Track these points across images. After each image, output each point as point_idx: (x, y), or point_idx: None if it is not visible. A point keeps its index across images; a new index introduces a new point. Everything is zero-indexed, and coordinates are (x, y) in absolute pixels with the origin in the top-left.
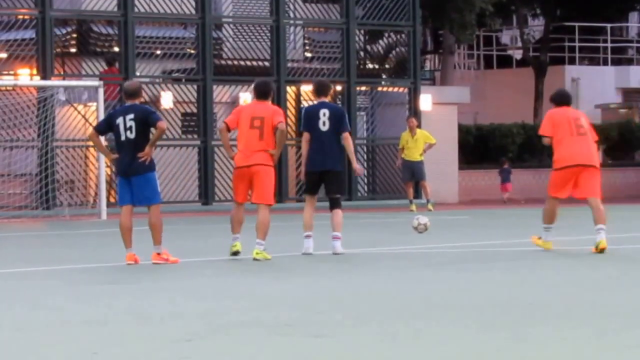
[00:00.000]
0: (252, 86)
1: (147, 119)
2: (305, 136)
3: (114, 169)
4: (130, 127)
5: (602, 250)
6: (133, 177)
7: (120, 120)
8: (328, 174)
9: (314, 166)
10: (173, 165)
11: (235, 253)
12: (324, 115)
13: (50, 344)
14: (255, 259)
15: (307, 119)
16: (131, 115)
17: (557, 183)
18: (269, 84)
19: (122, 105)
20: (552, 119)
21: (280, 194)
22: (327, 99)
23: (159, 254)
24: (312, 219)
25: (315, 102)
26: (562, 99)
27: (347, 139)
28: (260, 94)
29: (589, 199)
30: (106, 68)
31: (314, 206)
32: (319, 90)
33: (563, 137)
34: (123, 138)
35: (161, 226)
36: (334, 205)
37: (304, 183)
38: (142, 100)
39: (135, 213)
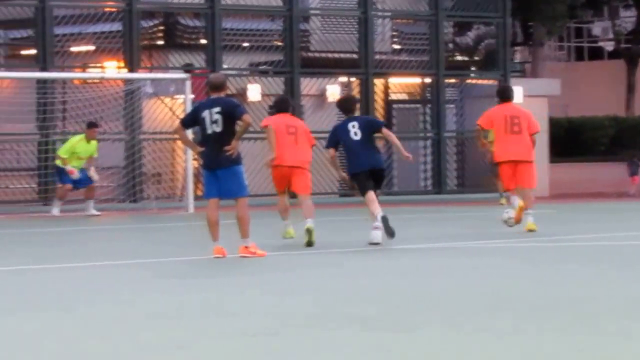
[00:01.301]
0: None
1: (232, 112)
2: (331, 152)
3: (200, 162)
4: (216, 121)
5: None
6: (219, 170)
7: (206, 114)
8: (376, 171)
9: (362, 166)
10: (260, 158)
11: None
12: (354, 127)
13: (135, 338)
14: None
15: (337, 134)
16: (217, 109)
17: (502, 177)
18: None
19: (207, 98)
20: (489, 116)
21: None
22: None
23: (246, 247)
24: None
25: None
26: (503, 94)
27: (389, 134)
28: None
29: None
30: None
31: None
32: (348, 109)
33: (498, 134)
34: (209, 131)
35: (248, 219)
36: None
37: (356, 185)
38: (227, 93)
39: (222, 206)
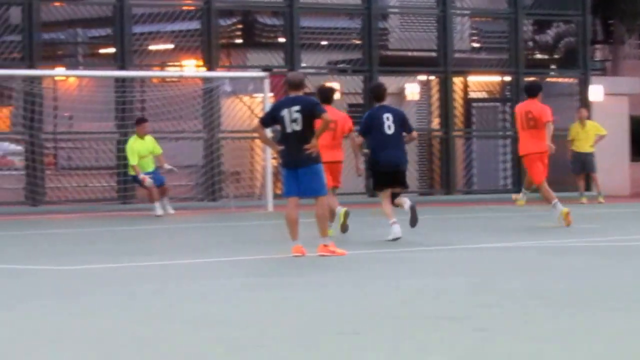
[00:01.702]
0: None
1: (312, 110)
2: (360, 140)
3: (280, 161)
4: (296, 119)
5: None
6: (299, 169)
7: (285, 112)
8: (400, 172)
9: (388, 163)
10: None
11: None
12: (388, 119)
13: (215, 338)
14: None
15: (371, 123)
16: (296, 107)
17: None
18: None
19: (286, 96)
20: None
21: (449, 186)
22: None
23: (325, 245)
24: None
25: (376, 106)
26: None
27: (413, 138)
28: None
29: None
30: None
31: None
32: (380, 96)
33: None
34: (289, 130)
35: (327, 218)
36: (397, 196)
37: (377, 181)
38: (306, 91)
39: (301, 205)
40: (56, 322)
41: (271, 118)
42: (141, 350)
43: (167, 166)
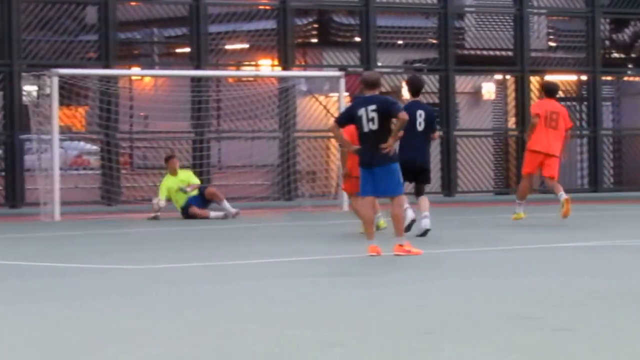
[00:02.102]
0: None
1: (389, 109)
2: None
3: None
4: (373, 119)
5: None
6: (376, 169)
7: (362, 112)
8: (424, 171)
9: (413, 162)
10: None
11: None
12: (420, 116)
13: (290, 336)
14: None
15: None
16: (373, 107)
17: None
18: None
19: (361, 96)
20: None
21: None
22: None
23: (401, 245)
24: None
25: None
26: (548, 91)
27: (435, 138)
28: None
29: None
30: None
31: None
32: (418, 90)
33: (538, 126)
34: (365, 129)
35: (404, 218)
36: (422, 191)
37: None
38: (381, 91)
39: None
40: (134, 320)
41: (348, 118)
42: (220, 349)
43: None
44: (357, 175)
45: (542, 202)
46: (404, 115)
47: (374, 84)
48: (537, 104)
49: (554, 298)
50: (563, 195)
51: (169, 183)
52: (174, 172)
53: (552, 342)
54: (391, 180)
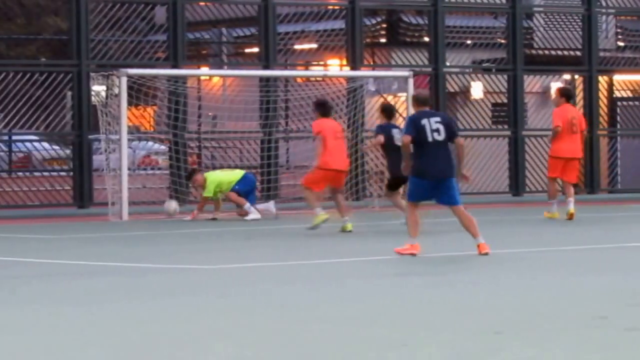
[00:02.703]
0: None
1: (451, 126)
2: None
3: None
4: (437, 130)
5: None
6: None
7: (425, 122)
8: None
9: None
10: (483, 155)
11: None
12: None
13: (359, 337)
14: None
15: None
16: (437, 119)
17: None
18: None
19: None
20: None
21: (593, 185)
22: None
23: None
24: None
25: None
26: (568, 97)
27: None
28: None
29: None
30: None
31: None
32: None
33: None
34: (430, 140)
35: (472, 220)
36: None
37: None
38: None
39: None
40: (206, 320)
41: (415, 130)
42: (291, 349)
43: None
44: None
45: (614, 202)
46: (460, 141)
47: (424, 102)
48: (558, 113)
49: (626, 297)
50: (572, 203)
51: (218, 178)
52: (197, 187)
53: (624, 342)
54: (452, 191)
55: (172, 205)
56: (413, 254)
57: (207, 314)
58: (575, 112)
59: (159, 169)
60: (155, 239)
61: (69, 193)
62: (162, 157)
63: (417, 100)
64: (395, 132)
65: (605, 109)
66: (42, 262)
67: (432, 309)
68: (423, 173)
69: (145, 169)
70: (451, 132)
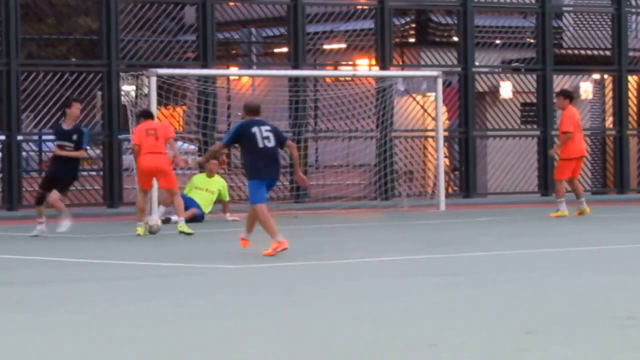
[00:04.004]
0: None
1: (279, 133)
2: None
3: (452, 160)
4: (268, 137)
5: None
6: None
7: (255, 130)
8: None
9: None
10: (512, 155)
11: None
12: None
13: (387, 335)
14: None
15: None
16: (267, 127)
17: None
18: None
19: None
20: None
21: (622, 185)
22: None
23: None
24: None
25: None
26: (572, 98)
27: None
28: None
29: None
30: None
31: None
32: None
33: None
34: (261, 146)
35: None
36: None
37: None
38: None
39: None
40: (235, 320)
41: (240, 137)
42: (321, 349)
43: (228, 216)
44: None
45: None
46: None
47: (256, 110)
48: (568, 117)
49: None
50: (584, 202)
51: (197, 180)
52: (211, 175)
53: None
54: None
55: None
56: (285, 249)
57: (233, 314)
58: (578, 112)
59: (189, 168)
60: (187, 238)
61: (99, 193)
62: (192, 157)
63: (248, 110)
64: None
65: (635, 109)
66: (105, 262)
67: (460, 308)
68: (261, 175)
69: (174, 169)
70: (280, 139)
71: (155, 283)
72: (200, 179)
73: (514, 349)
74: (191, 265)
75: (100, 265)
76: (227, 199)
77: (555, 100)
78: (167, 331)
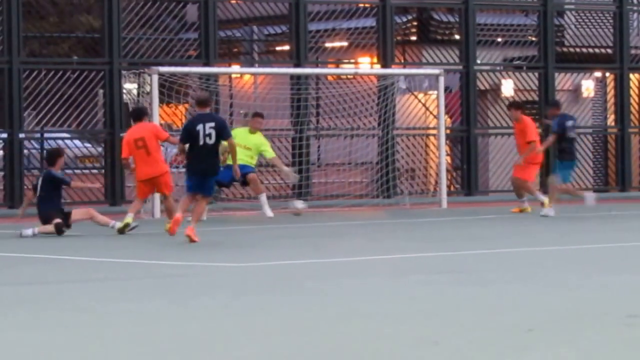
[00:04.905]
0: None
1: (222, 130)
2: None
3: (453, 158)
4: (210, 134)
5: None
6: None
7: (200, 128)
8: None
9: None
10: (514, 153)
11: None
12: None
13: (390, 334)
14: None
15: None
16: (212, 124)
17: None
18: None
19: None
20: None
21: (624, 183)
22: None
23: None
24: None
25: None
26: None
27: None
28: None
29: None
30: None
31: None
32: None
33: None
34: (201, 143)
35: (199, 212)
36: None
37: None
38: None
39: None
40: (240, 318)
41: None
42: (321, 346)
43: (285, 171)
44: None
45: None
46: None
47: (205, 102)
48: (531, 128)
49: None
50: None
51: (238, 134)
52: (255, 131)
53: None
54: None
55: (299, 204)
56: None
57: (238, 312)
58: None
59: (184, 167)
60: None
61: (101, 191)
62: None
63: (198, 102)
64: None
65: (637, 107)
66: (107, 261)
67: (463, 306)
68: (193, 171)
69: (177, 167)
70: (223, 135)
71: (155, 282)
72: (240, 133)
73: (516, 347)
74: (191, 264)
75: (104, 264)
76: (270, 155)
77: (508, 112)
78: (167, 330)
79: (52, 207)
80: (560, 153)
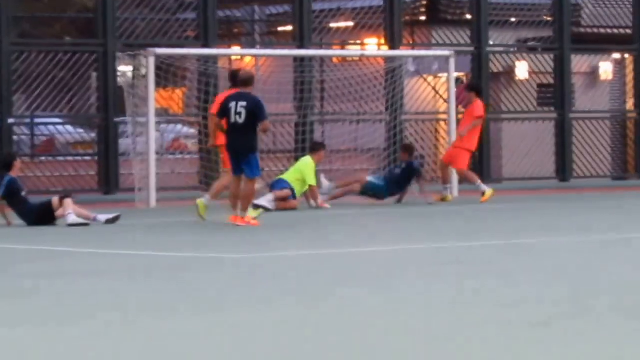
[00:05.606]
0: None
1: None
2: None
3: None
4: (240, 113)
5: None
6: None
7: (232, 105)
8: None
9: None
10: (528, 139)
11: None
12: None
13: (398, 327)
14: None
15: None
16: (243, 103)
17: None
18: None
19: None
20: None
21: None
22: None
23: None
24: None
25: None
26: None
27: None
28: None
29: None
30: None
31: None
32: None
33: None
34: (232, 121)
35: (248, 196)
36: None
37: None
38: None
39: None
40: (246, 312)
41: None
42: (327, 341)
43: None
44: None
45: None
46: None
47: (247, 82)
48: (480, 106)
49: None
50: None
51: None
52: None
53: None
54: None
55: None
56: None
57: (248, 305)
58: None
59: (189, 153)
60: (187, 227)
61: (94, 178)
62: (192, 141)
63: (242, 81)
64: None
65: None
66: (97, 252)
67: (473, 298)
68: (227, 149)
69: (174, 153)
70: (257, 115)
71: (160, 274)
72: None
73: (528, 340)
74: (198, 255)
75: (108, 256)
76: (311, 182)
77: (467, 94)
78: (169, 327)
79: (30, 206)
80: None
